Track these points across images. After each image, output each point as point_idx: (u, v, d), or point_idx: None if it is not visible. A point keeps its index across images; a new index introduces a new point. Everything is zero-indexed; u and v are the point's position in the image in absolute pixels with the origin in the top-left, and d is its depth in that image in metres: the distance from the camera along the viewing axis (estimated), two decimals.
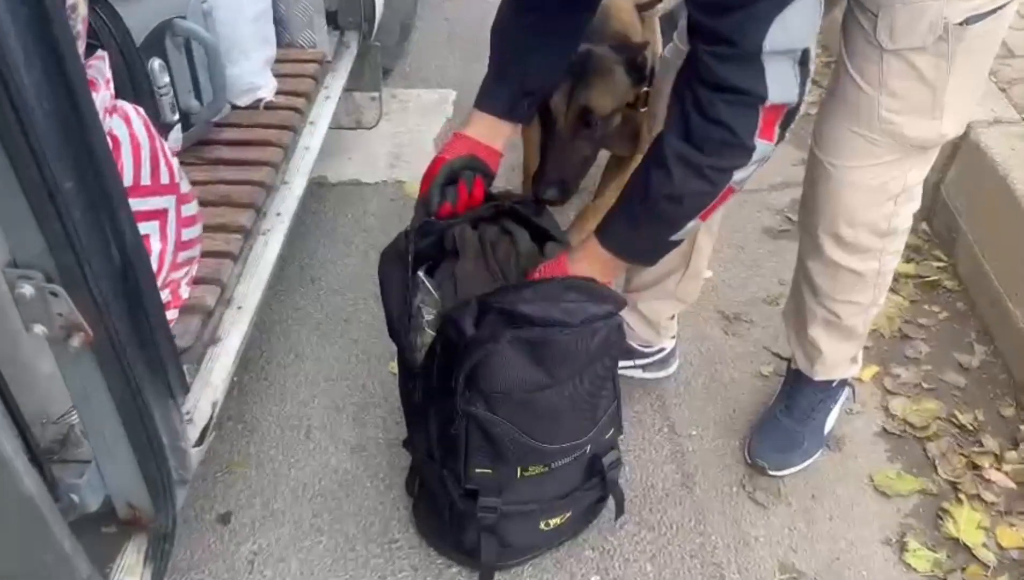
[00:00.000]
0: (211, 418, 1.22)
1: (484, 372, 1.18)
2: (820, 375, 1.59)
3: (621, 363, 1.75)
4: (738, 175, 1.07)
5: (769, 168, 1.17)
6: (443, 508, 1.40)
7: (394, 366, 1.85)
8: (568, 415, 1.28)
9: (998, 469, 1.59)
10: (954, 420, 1.71)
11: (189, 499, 1.57)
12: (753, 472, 1.61)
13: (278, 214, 1.62)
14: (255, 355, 1.88)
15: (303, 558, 1.50)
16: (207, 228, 1.43)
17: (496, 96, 1.31)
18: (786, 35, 0.97)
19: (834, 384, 1.63)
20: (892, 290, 1.80)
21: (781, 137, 1.07)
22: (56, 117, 0.78)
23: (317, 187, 2.40)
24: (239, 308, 1.41)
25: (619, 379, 1.36)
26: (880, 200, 1.33)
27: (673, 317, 1.75)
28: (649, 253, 1.25)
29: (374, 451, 1.68)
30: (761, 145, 1.04)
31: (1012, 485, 1.57)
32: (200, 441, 1.19)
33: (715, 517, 1.56)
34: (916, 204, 1.39)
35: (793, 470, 1.60)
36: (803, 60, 1.01)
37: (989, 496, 1.55)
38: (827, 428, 1.65)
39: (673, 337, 1.80)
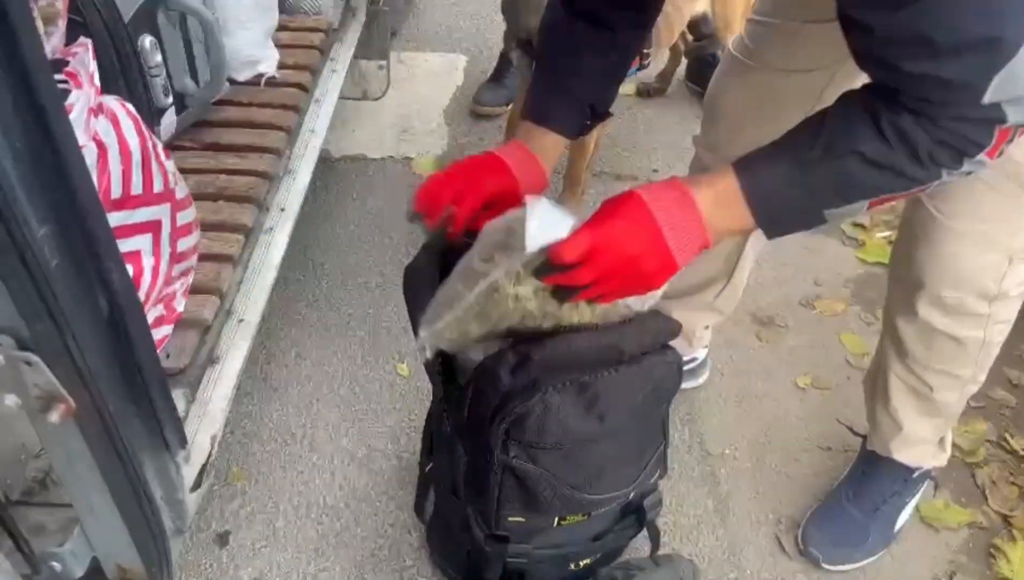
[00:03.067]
0: (210, 455, 1.09)
1: (525, 425, 1.05)
2: (898, 454, 1.39)
3: None
4: (945, 176, 0.83)
5: None
6: (463, 541, 1.28)
7: (403, 368, 1.73)
8: (616, 464, 1.16)
9: None
10: (1005, 444, 1.60)
11: None
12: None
13: (282, 209, 1.47)
14: (255, 352, 1.75)
15: None
16: (204, 226, 1.29)
17: (560, 111, 1.09)
18: (1014, 85, 0.75)
19: (915, 474, 1.41)
20: None
21: (999, 156, 0.84)
22: (27, 151, 0.63)
23: (320, 163, 2.22)
24: (240, 321, 1.27)
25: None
26: (993, 257, 1.12)
27: (707, 327, 1.63)
28: (790, 219, 0.90)
29: (382, 465, 1.56)
30: (983, 159, 0.82)
31: None
32: (198, 483, 1.06)
33: (750, 549, 1.45)
34: None
35: (851, 567, 1.40)
36: None
37: None
38: (898, 525, 1.44)
39: (705, 346, 1.68)
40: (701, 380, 1.70)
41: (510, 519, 1.15)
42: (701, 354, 1.68)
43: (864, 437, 1.47)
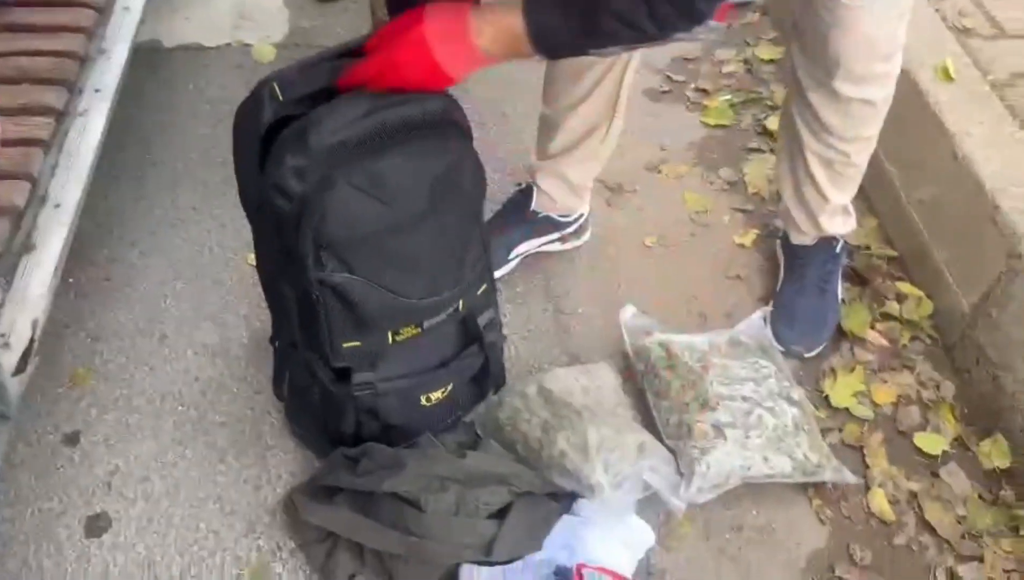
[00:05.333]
0: (32, 339, 1.05)
1: (329, 223, 1.06)
2: (827, 225, 1.56)
3: (542, 238, 1.69)
4: (679, 35, 1.00)
5: None
6: (315, 399, 1.28)
7: (252, 257, 1.69)
8: (430, 260, 1.18)
9: (872, 328, 1.62)
10: None
11: (26, 421, 1.40)
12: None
13: (97, 90, 1.38)
14: (93, 252, 1.67)
15: (167, 474, 1.37)
16: (7, 111, 1.20)
17: None
18: None
19: (837, 248, 1.61)
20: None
21: (729, 25, 1.05)
22: None
23: (151, 54, 2.11)
24: (57, 206, 1.21)
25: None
26: (891, 20, 1.30)
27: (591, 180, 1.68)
28: (562, 48, 1.09)
29: (238, 353, 1.54)
30: (713, 25, 0.99)
31: (885, 343, 1.60)
32: (22, 367, 1.02)
33: None
34: (909, 14, 1.34)
35: (823, 346, 1.57)
36: None
37: (864, 356, 1.58)
38: (839, 296, 1.62)
39: (587, 202, 1.72)
40: (586, 237, 1.74)
41: (345, 346, 1.16)
42: (586, 210, 1.72)
43: (781, 240, 1.68)
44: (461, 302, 1.23)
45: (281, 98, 1.03)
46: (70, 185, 1.23)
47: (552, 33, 1.02)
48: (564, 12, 1.00)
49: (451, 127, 1.11)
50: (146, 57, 2.06)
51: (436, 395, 1.29)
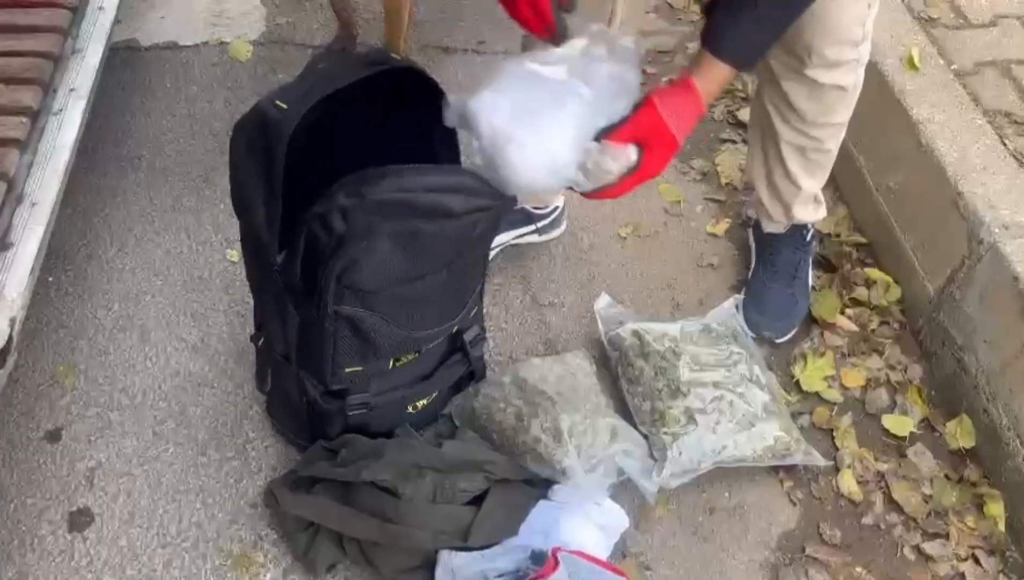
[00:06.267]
0: (10, 337, 1.06)
1: (359, 270, 1.08)
2: (799, 213, 1.58)
3: (519, 230, 1.71)
4: None
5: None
6: (302, 407, 1.31)
7: (233, 254, 1.71)
8: (443, 299, 1.22)
9: (842, 313, 1.66)
10: None
11: (8, 419, 1.42)
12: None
13: (72, 90, 1.39)
14: (72, 250, 1.68)
15: (149, 469, 1.39)
16: None
17: None
18: None
19: (808, 236, 1.64)
20: None
21: None
22: None
23: (128, 53, 2.11)
24: (33, 205, 1.22)
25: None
26: (860, 5, 1.33)
27: None
28: (763, 49, 1.18)
29: (218, 348, 1.56)
30: None
31: (854, 328, 1.64)
32: (1, 364, 1.03)
33: None
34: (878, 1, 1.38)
35: (795, 331, 1.61)
36: None
37: (834, 341, 1.62)
38: (810, 283, 1.66)
39: (563, 195, 1.74)
40: (562, 228, 1.76)
41: (347, 370, 1.19)
42: (560, 202, 1.74)
43: (753, 229, 1.71)
44: (457, 327, 1.26)
45: (286, 106, 1.03)
46: (46, 184, 1.24)
47: (751, 43, 1.11)
48: (751, 21, 1.08)
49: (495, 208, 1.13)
50: (123, 56, 2.07)
51: (422, 402, 1.32)
